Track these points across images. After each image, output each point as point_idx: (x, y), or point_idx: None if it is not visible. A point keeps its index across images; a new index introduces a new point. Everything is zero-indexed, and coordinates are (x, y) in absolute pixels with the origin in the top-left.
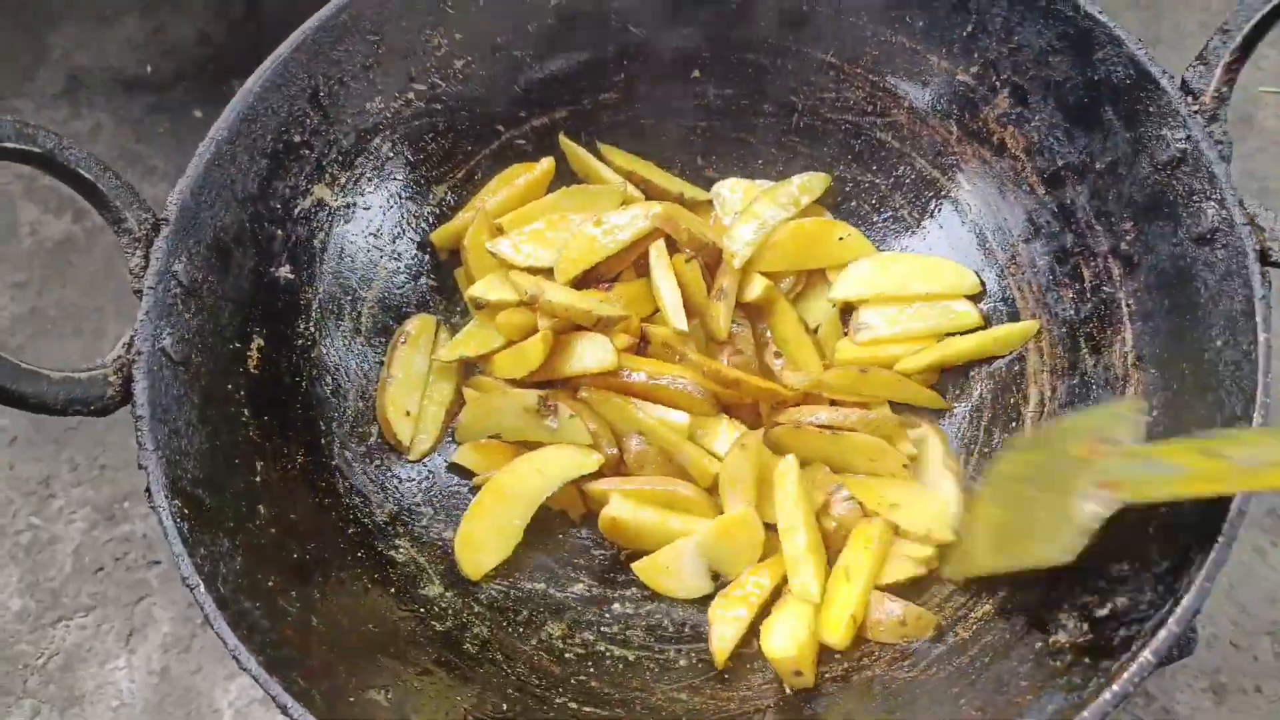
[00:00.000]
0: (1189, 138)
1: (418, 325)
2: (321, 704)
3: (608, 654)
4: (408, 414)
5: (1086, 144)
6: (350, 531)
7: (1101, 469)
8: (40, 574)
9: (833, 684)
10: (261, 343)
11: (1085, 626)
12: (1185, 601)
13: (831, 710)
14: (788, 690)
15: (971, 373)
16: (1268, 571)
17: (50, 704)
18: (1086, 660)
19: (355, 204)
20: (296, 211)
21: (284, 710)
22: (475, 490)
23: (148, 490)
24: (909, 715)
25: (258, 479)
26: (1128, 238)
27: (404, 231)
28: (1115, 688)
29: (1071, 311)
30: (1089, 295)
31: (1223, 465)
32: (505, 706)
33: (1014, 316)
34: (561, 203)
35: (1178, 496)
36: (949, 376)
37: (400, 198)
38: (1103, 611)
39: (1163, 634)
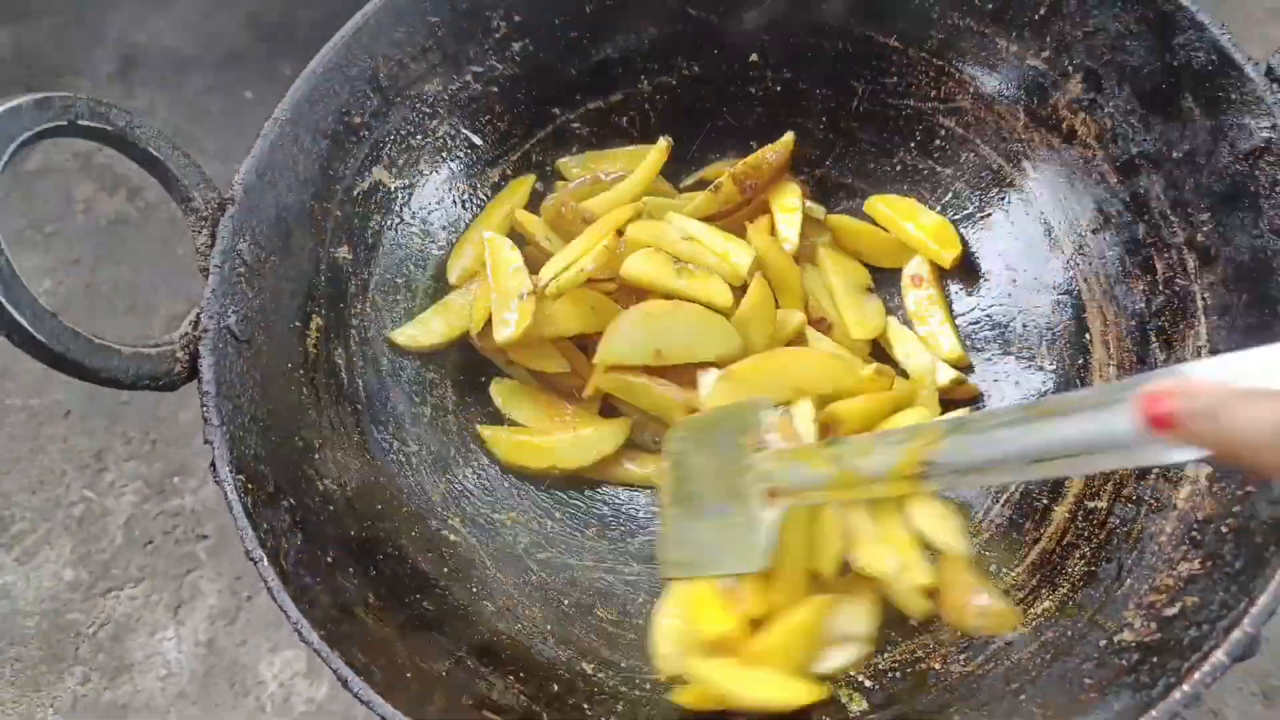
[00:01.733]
0: (1274, 126)
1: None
2: (380, 678)
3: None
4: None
5: (1163, 132)
6: (405, 510)
7: (764, 473)
8: (92, 545)
9: (888, 675)
10: (320, 322)
11: (1153, 625)
12: (1261, 601)
13: (888, 701)
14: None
15: (1034, 363)
16: None
17: (100, 671)
18: (1155, 659)
19: (413, 185)
20: (355, 193)
21: (344, 684)
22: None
23: (213, 465)
24: (967, 709)
25: (316, 456)
26: (1205, 229)
27: (460, 214)
28: (1186, 687)
29: (1142, 304)
30: (1161, 288)
31: (850, 474)
32: (556, 688)
33: (1079, 309)
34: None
35: (832, 500)
36: (1005, 364)
37: (457, 180)
38: (1172, 610)
39: (1237, 634)
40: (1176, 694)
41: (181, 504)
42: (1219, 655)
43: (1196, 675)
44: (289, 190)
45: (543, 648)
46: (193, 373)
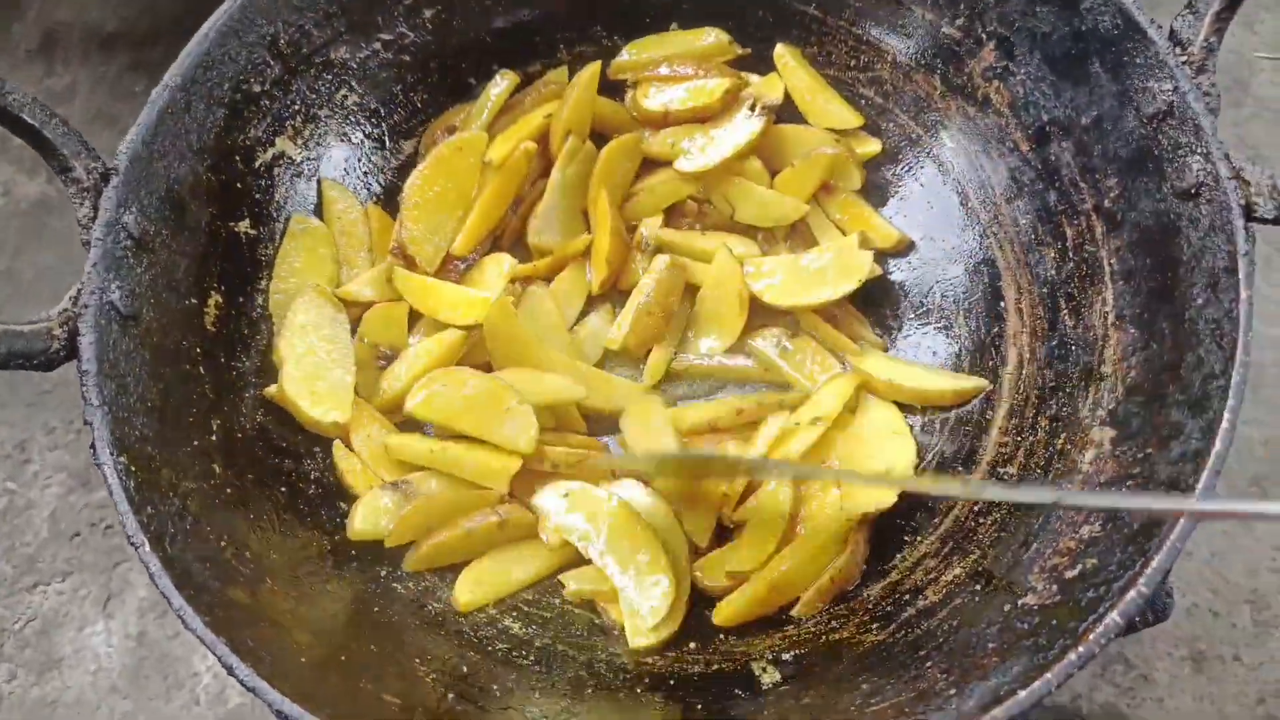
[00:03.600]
0: (1176, 89)
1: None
2: (271, 664)
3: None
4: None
5: (1072, 98)
6: (311, 492)
7: None
8: (16, 539)
9: (801, 646)
10: (220, 299)
11: (1055, 588)
12: (1155, 562)
13: (800, 672)
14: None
15: (951, 332)
16: (1250, 542)
17: (26, 668)
18: (1054, 622)
19: (320, 158)
20: (258, 165)
21: (230, 670)
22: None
23: (92, 447)
24: (875, 677)
25: (213, 437)
26: (1111, 194)
27: (370, 187)
28: (1080, 649)
29: (1053, 271)
30: (1071, 254)
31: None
32: (465, 669)
33: (995, 278)
34: None
35: None
36: (922, 335)
37: (367, 152)
38: (1072, 573)
39: (1131, 595)
40: (1071, 655)
41: (108, 495)
42: (1113, 616)
43: (1091, 636)
44: (181, 161)
45: (453, 631)
46: (72, 351)
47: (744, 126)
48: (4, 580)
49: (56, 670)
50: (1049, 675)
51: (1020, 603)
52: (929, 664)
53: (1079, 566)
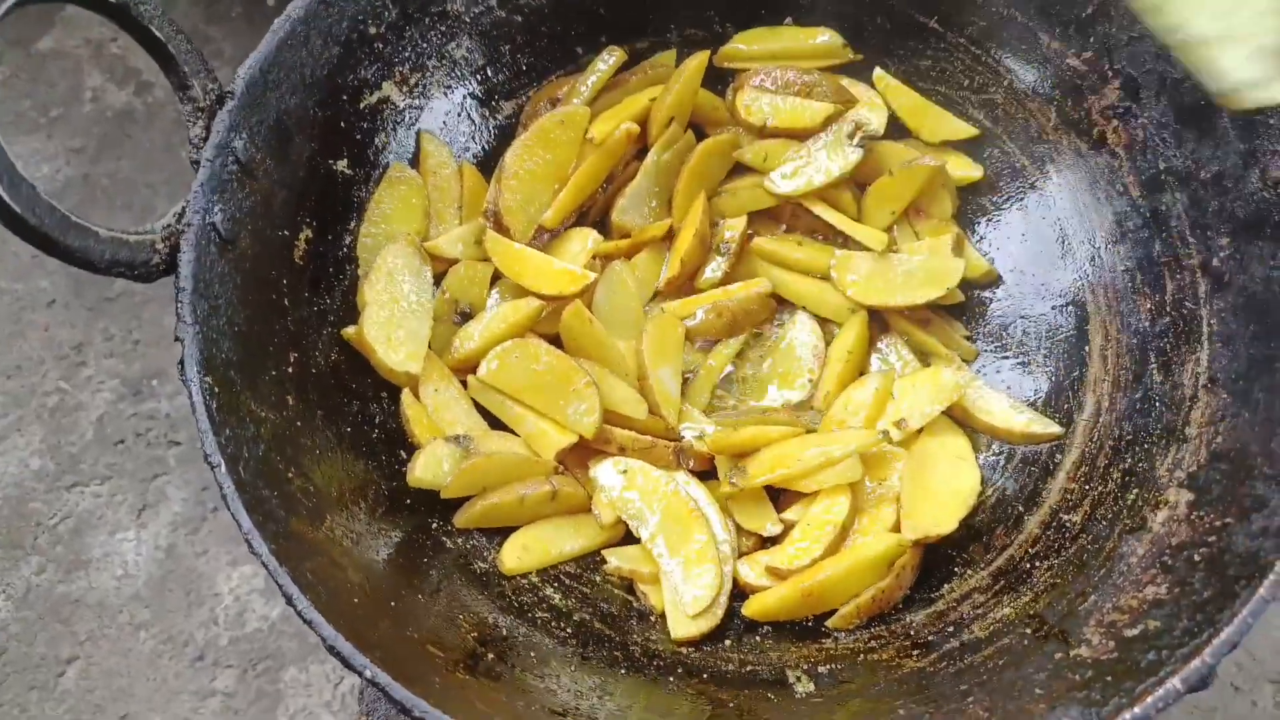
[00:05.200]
0: None
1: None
2: (326, 599)
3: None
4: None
5: (1194, 150)
6: (374, 436)
7: None
8: (62, 437)
9: (837, 661)
10: (310, 234)
11: (1112, 644)
12: (1224, 634)
13: (835, 686)
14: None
15: (1028, 369)
16: None
17: (56, 564)
18: (1109, 678)
19: (422, 107)
20: (362, 106)
21: (289, 600)
22: None
23: (181, 363)
24: (914, 703)
25: (290, 369)
26: (1222, 254)
27: (467, 144)
28: (1137, 710)
29: (1147, 323)
30: (1168, 309)
31: None
32: (504, 631)
33: (1082, 320)
34: None
35: None
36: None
37: (468, 108)
38: (1133, 631)
39: (1195, 664)
40: (1126, 715)
41: (157, 407)
42: (1174, 682)
43: (1149, 699)
44: (293, 93)
45: (499, 590)
46: (171, 266)
47: (840, 157)
48: (45, 475)
49: (84, 570)
50: None
51: (1073, 653)
52: (971, 699)
53: (1140, 627)
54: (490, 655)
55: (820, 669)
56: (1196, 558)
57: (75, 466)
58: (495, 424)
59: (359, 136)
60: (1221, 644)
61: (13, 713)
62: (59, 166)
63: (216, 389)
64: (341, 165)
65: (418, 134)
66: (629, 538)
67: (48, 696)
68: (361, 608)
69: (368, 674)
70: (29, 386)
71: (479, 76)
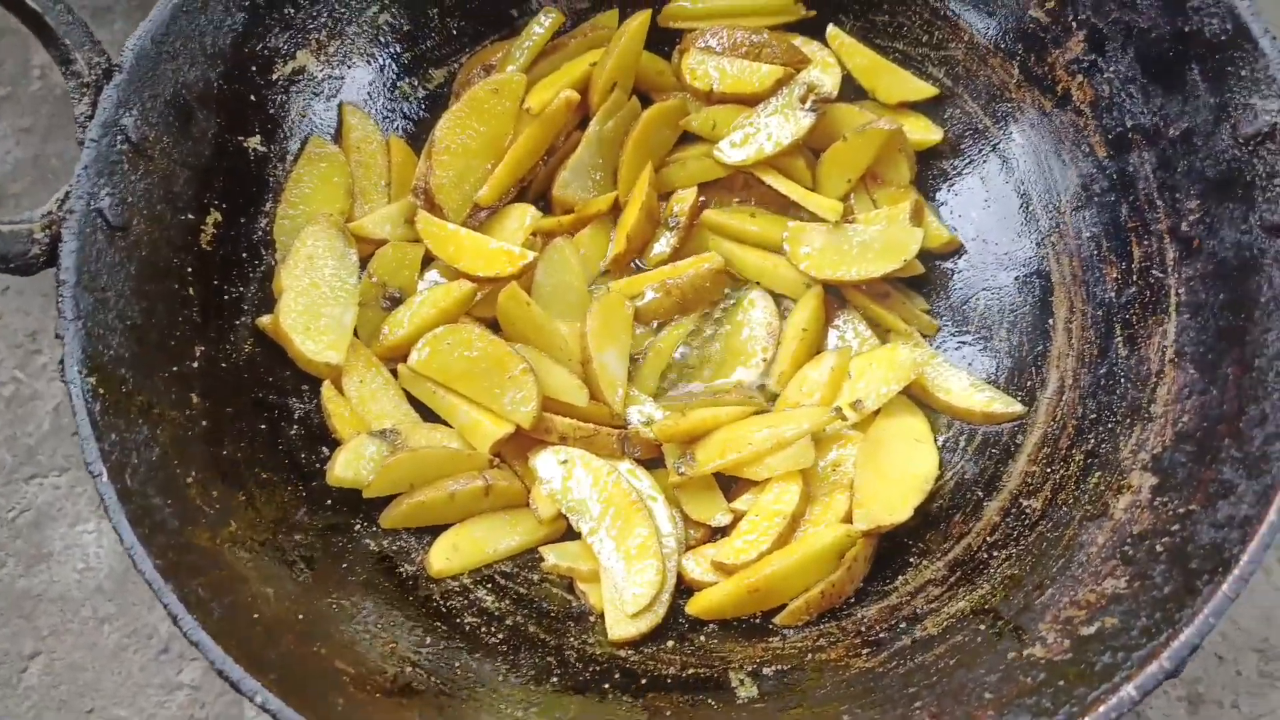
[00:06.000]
0: None
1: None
2: (220, 617)
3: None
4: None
5: (1162, 105)
6: (293, 433)
7: None
8: (19, 428)
9: (783, 661)
10: (219, 217)
11: (1066, 644)
12: (1184, 635)
13: (779, 690)
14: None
15: (990, 345)
16: (1269, 590)
17: (16, 558)
18: (1061, 683)
19: (343, 78)
20: (275, 77)
21: (175, 620)
22: None
23: (61, 363)
24: (858, 708)
25: (195, 364)
26: (1191, 217)
27: (393, 116)
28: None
29: (1112, 294)
30: (1135, 278)
31: None
32: (428, 640)
33: (1047, 293)
34: None
35: None
36: (958, 344)
37: (393, 77)
38: (1089, 630)
39: (1153, 668)
40: None
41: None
42: (1129, 690)
43: (1101, 709)
44: (192, 65)
45: (423, 595)
46: (52, 258)
47: (792, 123)
48: (2, 468)
49: (45, 564)
50: None
51: (1026, 652)
52: (918, 704)
53: (1096, 624)
54: (408, 669)
55: (765, 670)
56: (1159, 548)
57: (33, 458)
58: (429, 415)
59: (272, 110)
60: (1181, 646)
61: None
62: (8, 148)
63: (102, 390)
64: (253, 142)
65: (339, 106)
66: (570, 534)
67: (11, 693)
68: (263, 623)
69: (258, 699)
70: None
71: (405, 42)
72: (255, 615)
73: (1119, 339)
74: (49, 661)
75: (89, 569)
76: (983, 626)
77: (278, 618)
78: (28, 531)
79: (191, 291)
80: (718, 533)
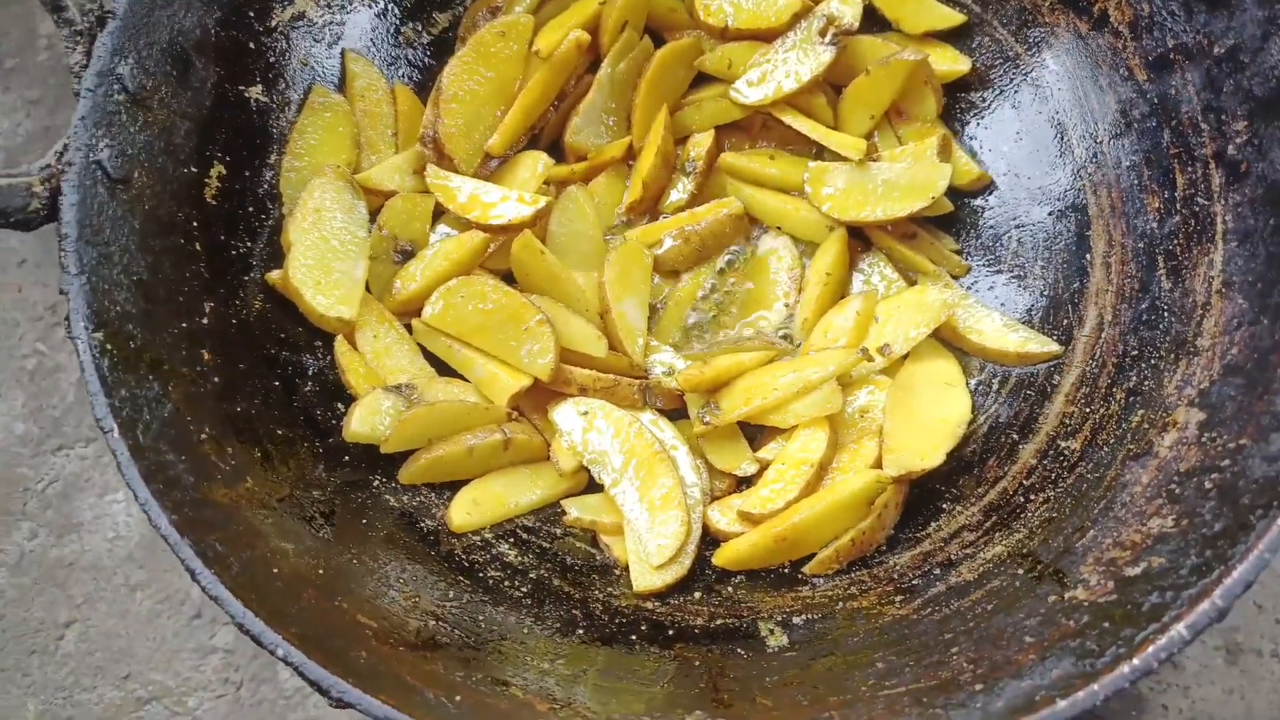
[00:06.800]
0: None
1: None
2: (238, 572)
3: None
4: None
5: (1206, 21)
6: (307, 389)
7: None
8: (44, 400)
9: (814, 610)
10: (223, 170)
11: (1111, 585)
12: (1237, 572)
13: (811, 639)
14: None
15: (1024, 283)
16: None
17: (48, 528)
18: (1106, 625)
19: (344, 23)
20: (274, 24)
21: (193, 575)
22: None
23: (66, 319)
24: (893, 655)
25: (205, 321)
26: (1238, 139)
27: (398, 63)
28: (1136, 661)
29: (1154, 224)
30: (1178, 206)
31: None
32: (451, 594)
33: (1084, 226)
34: None
35: None
36: (991, 283)
37: (396, 22)
38: (1135, 570)
39: (1204, 606)
40: (1124, 666)
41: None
42: (1179, 629)
43: (1150, 649)
44: (188, 10)
45: (453, 544)
46: (53, 212)
47: (811, 58)
48: (30, 440)
49: (76, 534)
50: (1095, 686)
51: (1068, 595)
52: (955, 650)
53: (1142, 564)
54: (432, 623)
55: (795, 620)
56: (1207, 485)
57: (59, 429)
58: (445, 370)
59: (272, 59)
60: (1234, 583)
61: (15, 677)
62: (19, 120)
63: (110, 346)
64: (255, 92)
65: (342, 53)
66: (592, 486)
67: (49, 660)
68: (282, 578)
69: (280, 653)
70: (6, 350)
71: None
72: (275, 570)
73: (1162, 271)
74: (84, 629)
75: (119, 537)
76: (1021, 571)
77: (298, 573)
78: (57, 502)
79: (198, 247)
80: (743, 483)
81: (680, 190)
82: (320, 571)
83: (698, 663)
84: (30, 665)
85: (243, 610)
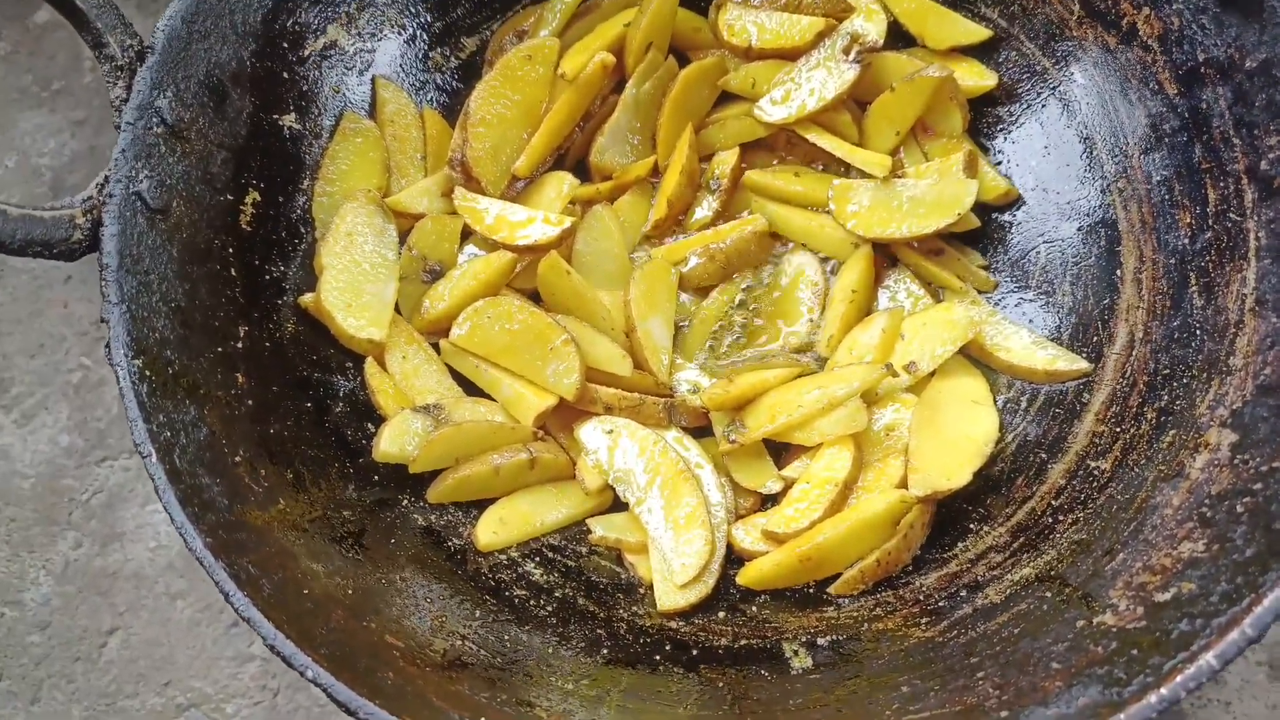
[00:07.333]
0: None
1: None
2: (270, 593)
3: (598, 567)
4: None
5: (1238, 35)
6: (339, 410)
7: None
8: (88, 413)
9: (839, 631)
10: (257, 197)
11: (1140, 610)
12: (1269, 600)
13: (835, 661)
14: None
15: (1053, 300)
16: None
17: (91, 538)
18: (1134, 651)
19: (374, 50)
20: (306, 53)
21: (226, 597)
22: None
23: (107, 347)
24: (918, 679)
25: (239, 345)
26: (1271, 155)
27: (426, 88)
28: (1164, 691)
29: (1186, 240)
30: (1210, 222)
31: None
32: (478, 614)
33: (1114, 242)
34: None
35: None
36: (1019, 301)
37: (425, 48)
38: (1164, 596)
39: (1234, 635)
40: (1152, 696)
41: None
42: (1208, 658)
43: (1178, 679)
44: (224, 44)
45: (480, 563)
46: (94, 243)
47: (835, 76)
48: (75, 452)
49: (119, 543)
50: (1121, 716)
51: (1096, 620)
52: (980, 674)
53: (1172, 590)
54: (458, 642)
55: (820, 641)
56: (1239, 508)
57: (103, 441)
58: (472, 390)
59: (305, 87)
60: (1265, 611)
61: (60, 684)
62: (64, 141)
63: (149, 372)
64: (288, 120)
65: (372, 80)
66: (617, 505)
67: (92, 668)
68: (312, 599)
69: (309, 674)
70: (52, 364)
71: (435, 11)
72: (305, 591)
73: (1194, 288)
74: (126, 637)
75: (160, 547)
76: (1049, 594)
77: (327, 594)
78: (101, 512)
79: (233, 272)
80: (768, 501)
81: (705, 208)
82: (349, 592)
83: (721, 684)
84: (75, 672)
85: (274, 632)
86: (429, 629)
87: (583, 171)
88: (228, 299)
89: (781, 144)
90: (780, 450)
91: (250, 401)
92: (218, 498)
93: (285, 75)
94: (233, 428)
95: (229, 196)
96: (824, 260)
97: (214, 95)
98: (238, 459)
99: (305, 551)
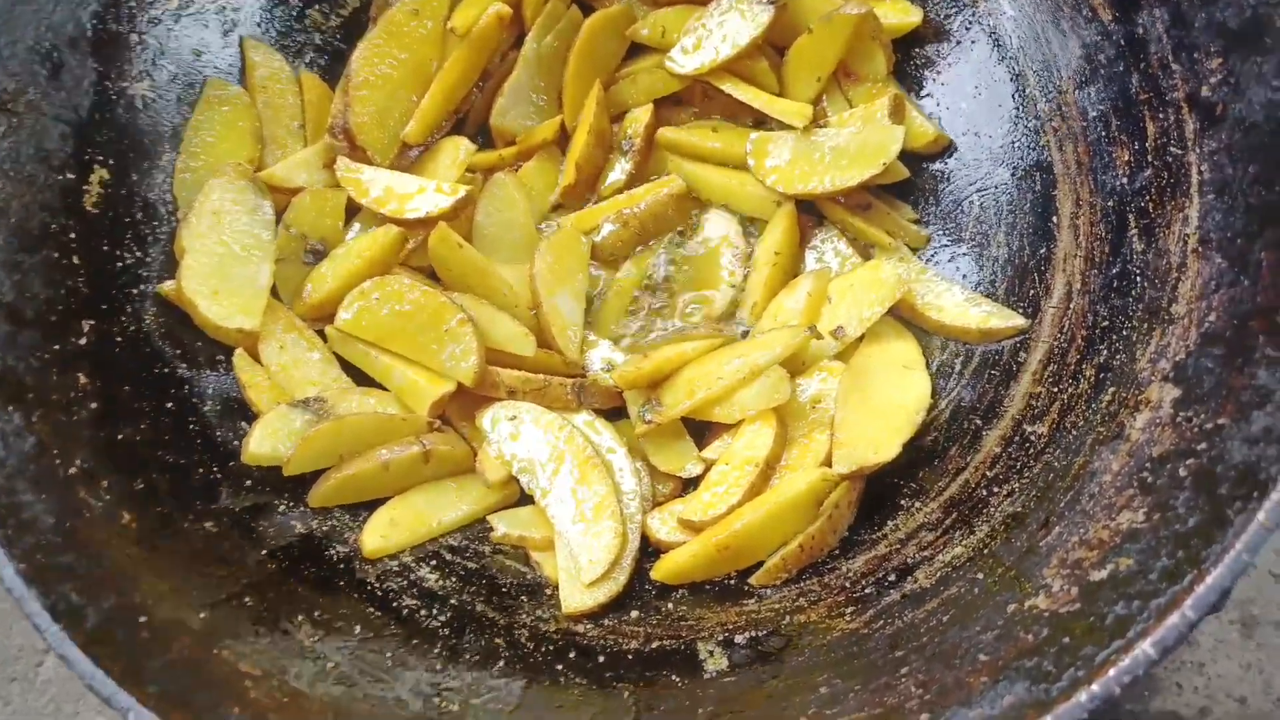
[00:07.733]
0: None
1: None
2: (97, 623)
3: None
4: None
5: None
6: (207, 409)
7: None
8: None
9: (758, 627)
10: (105, 175)
11: (1075, 591)
12: (1211, 577)
13: (751, 661)
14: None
15: (986, 252)
16: None
17: None
18: (1066, 640)
19: (239, 8)
20: (158, 12)
21: (38, 629)
22: None
23: None
24: (838, 677)
25: (82, 341)
26: (1212, 79)
27: (304, 49)
28: (1095, 687)
29: (1123, 180)
30: (1149, 158)
31: None
32: (358, 629)
33: (1049, 186)
34: None
35: None
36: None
37: (300, 4)
38: (1100, 574)
39: (1173, 620)
40: (1082, 694)
41: None
42: (1144, 647)
43: (1111, 672)
44: (56, 5)
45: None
46: None
47: (749, 20)
48: None
49: None
50: (1047, 718)
51: (1028, 604)
52: (904, 670)
53: (1109, 566)
54: (329, 664)
55: (738, 639)
56: (1182, 471)
57: None
58: (364, 380)
59: (159, 51)
60: (1208, 590)
61: None
62: None
63: None
64: (141, 89)
65: (239, 41)
66: (525, 499)
67: (29, 688)
68: (151, 627)
69: (130, 717)
70: None
71: None
72: (143, 619)
73: (1133, 231)
74: None
75: None
76: (980, 575)
77: (174, 619)
78: None
79: (75, 260)
80: (690, 485)
81: (618, 171)
82: (202, 615)
83: (627, 694)
84: (11, 693)
85: (93, 670)
86: (295, 653)
87: (485, 137)
88: (69, 290)
89: (697, 97)
90: (702, 430)
91: (94, 404)
92: (41, 516)
93: (134, 38)
94: (68, 435)
95: (69, 175)
96: (746, 221)
97: (46, 62)
98: (72, 470)
99: (150, 572)
